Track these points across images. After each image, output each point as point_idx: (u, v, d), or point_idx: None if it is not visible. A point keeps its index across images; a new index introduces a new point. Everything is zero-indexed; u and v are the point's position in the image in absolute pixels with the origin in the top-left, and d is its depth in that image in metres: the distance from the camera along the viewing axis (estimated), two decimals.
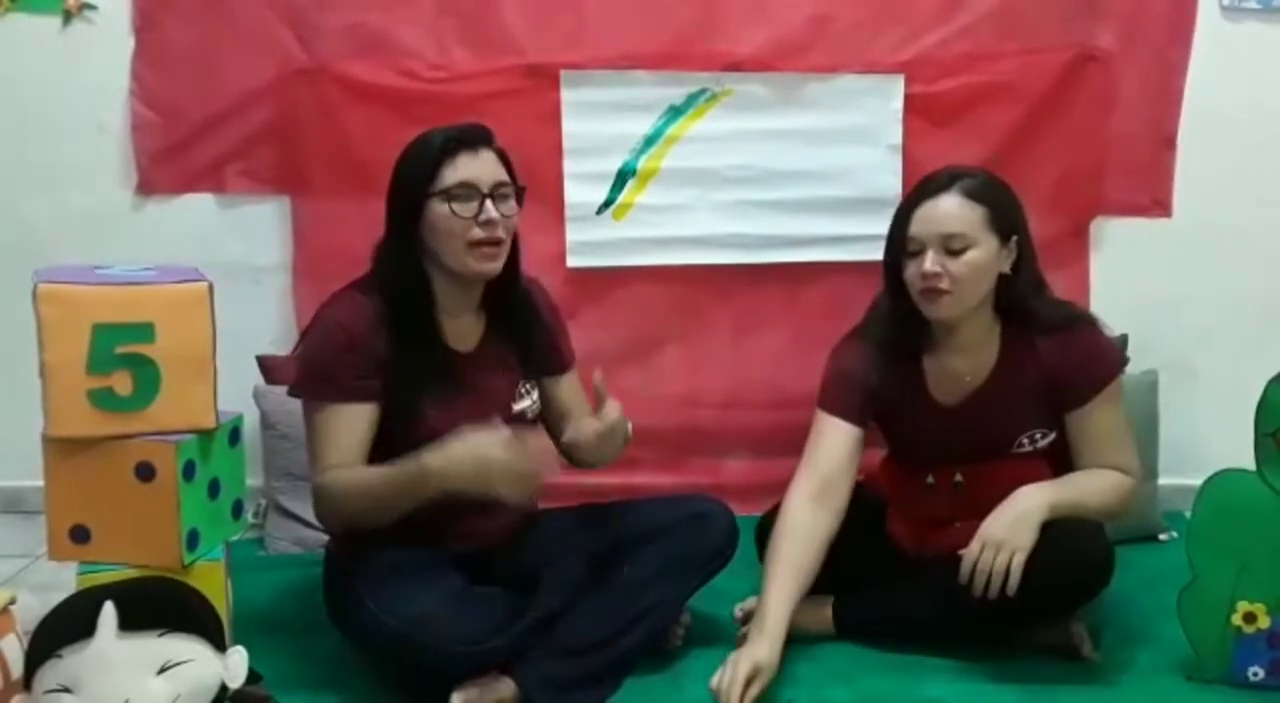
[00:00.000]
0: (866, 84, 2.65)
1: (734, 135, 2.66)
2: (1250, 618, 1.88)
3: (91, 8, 2.61)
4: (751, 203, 2.69)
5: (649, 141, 2.66)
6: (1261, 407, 1.87)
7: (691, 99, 2.65)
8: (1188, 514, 1.96)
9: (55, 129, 2.65)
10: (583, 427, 1.95)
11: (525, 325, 2.02)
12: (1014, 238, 1.96)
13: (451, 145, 1.87)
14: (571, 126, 2.62)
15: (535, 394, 2.03)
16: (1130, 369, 2.35)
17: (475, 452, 1.74)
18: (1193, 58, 2.67)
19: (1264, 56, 2.68)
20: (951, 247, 1.91)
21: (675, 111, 2.65)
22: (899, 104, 2.65)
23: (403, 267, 1.89)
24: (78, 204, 2.66)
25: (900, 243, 1.97)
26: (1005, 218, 1.95)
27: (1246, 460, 1.88)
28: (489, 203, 1.86)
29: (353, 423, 1.86)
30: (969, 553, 1.86)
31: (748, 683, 1.76)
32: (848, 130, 2.66)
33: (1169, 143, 2.70)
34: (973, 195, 1.93)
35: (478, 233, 1.85)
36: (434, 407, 1.88)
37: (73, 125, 2.65)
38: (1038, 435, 2.01)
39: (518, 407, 1.99)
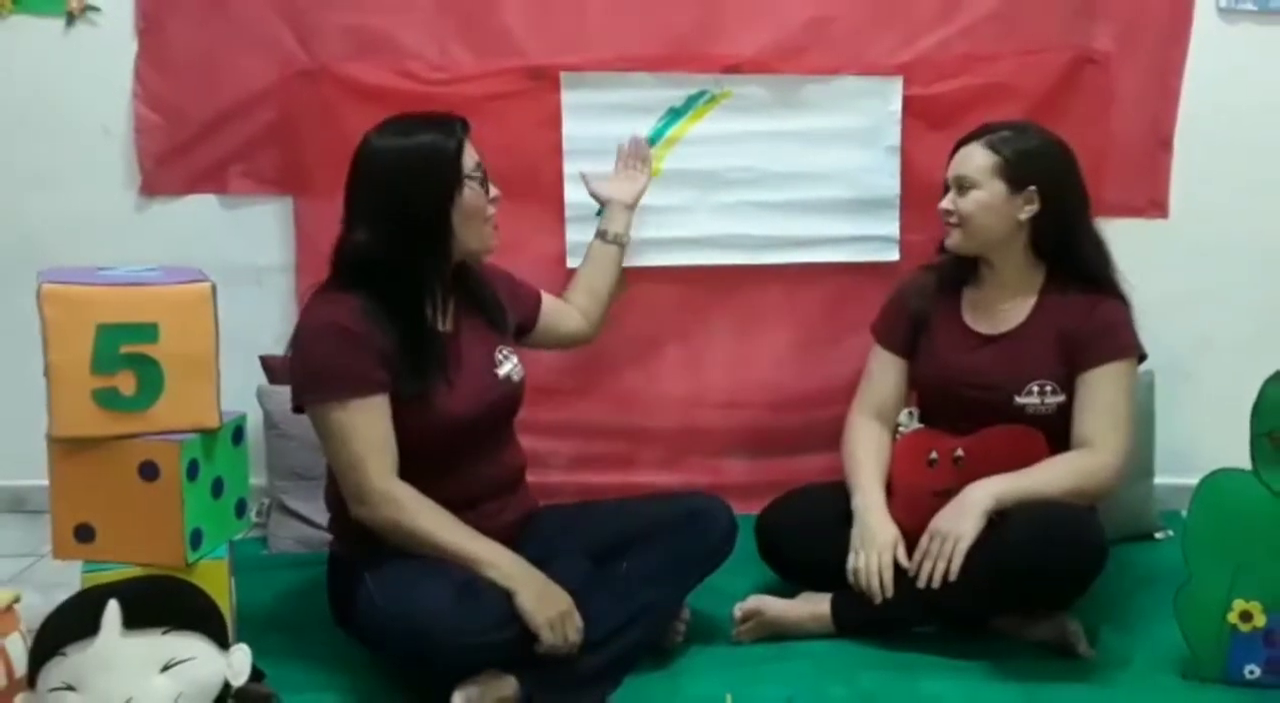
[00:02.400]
0: (865, 86, 2.65)
1: (734, 137, 2.66)
2: (1246, 617, 1.89)
3: (95, 9, 2.62)
4: (751, 204, 2.69)
5: (649, 143, 2.66)
6: (1258, 407, 1.88)
7: (691, 101, 2.65)
8: (1184, 513, 1.97)
9: (59, 130, 2.66)
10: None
11: (482, 294, 2.06)
12: (1031, 187, 2.10)
13: (465, 129, 1.93)
14: (572, 128, 2.62)
15: (515, 357, 2.07)
16: None
17: (555, 595, 1.82)
18: (1190, 59, 2.67)
19: (1260, 58, 2.68)
20: (961, 185, 2.14)
21: (675, 113, 2.65)
22: (897, 106, 2.65)
23: (401, 256, 1.88)
24: (82, 205, 2.66)
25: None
26: (1022, 169, 2.11)
27: (1242, 460, 1.89)
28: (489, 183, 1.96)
29: (374, 416, 1.84)
30: (919, 546, 1.98)
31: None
32: (846, 132, 2.66)
33: (1165, 144, 2.71)
34: (993, 146, 2.13)
35: (491, 209, 1.96)
36: (438, 388, 1.89)
37: (76, 127, 2.65)
38: (1048, 389, 2.09)
39: (501, 372, 2.02)
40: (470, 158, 1.92)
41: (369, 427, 1.84)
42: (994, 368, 2.13)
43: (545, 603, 1.81)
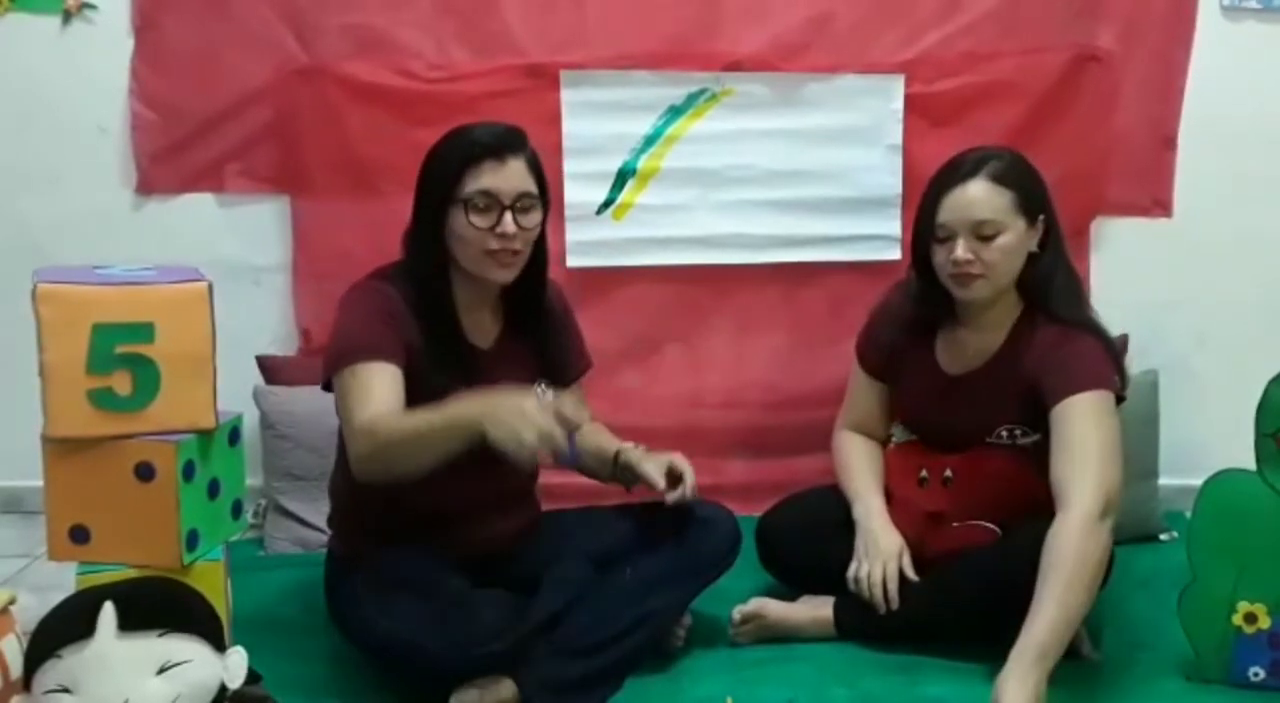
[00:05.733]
0: (866, 84, 2.65)
1: (734, 135, 2.66)
2: (1251, 618, 1.88)
3: (91, 7, 2.61)
4: (751, 203, 2.69)
5: (649, 141, 2.66)
6: (1262, 407, 1.87)
7: (691, 99, 2.65)
8: (1188, 514, 1.96)
9: (55, 129, 2.65)
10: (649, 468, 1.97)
11: (543, 328, 2.01)
12: (1040, 217, 1.98)
13: (478, 152, 1.83)
14: (571, 126, 2.62)
15: (551, 393, 2.03)
16: (1131, 370, 2.35)
17: (515, 402, 1.67)
18: (1193, 58, 2.67)
19: (1264, 56, 2.68)
20: (983, 233, 1.93)
21: (675, 111, 2.65)
22: (899, 104, 2.65)
23: (425, 258, 1.88)
24: (78, 204, 2.66)
25: (929, 229, 1.99)
26: (1032, 199, 1.97)
27: (1247, 461, 1.88)
28: (508, 215, 1.83)
29: (385, 378, 1.79)
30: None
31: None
32: (848, 130, 2.66)
33: (1169, 143, 2.71)
34: (1000, 179, 1.95)
35: (494, 244, 1.84)
36: (457, 394, 1.83)
37: (72, 125, 2.65)
38: (1017, 432, 2.02)
39: None
40: (476, 183, 1.82)
41: (377, 384, 1.78)
42: (960, 413, 2.05)
43: (506, 421, 1.63)
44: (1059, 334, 1.96)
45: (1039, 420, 1.95)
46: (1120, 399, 1.94)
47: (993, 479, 2.00)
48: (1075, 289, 2.05)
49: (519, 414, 1.62)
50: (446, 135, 1.91)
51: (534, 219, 1.88)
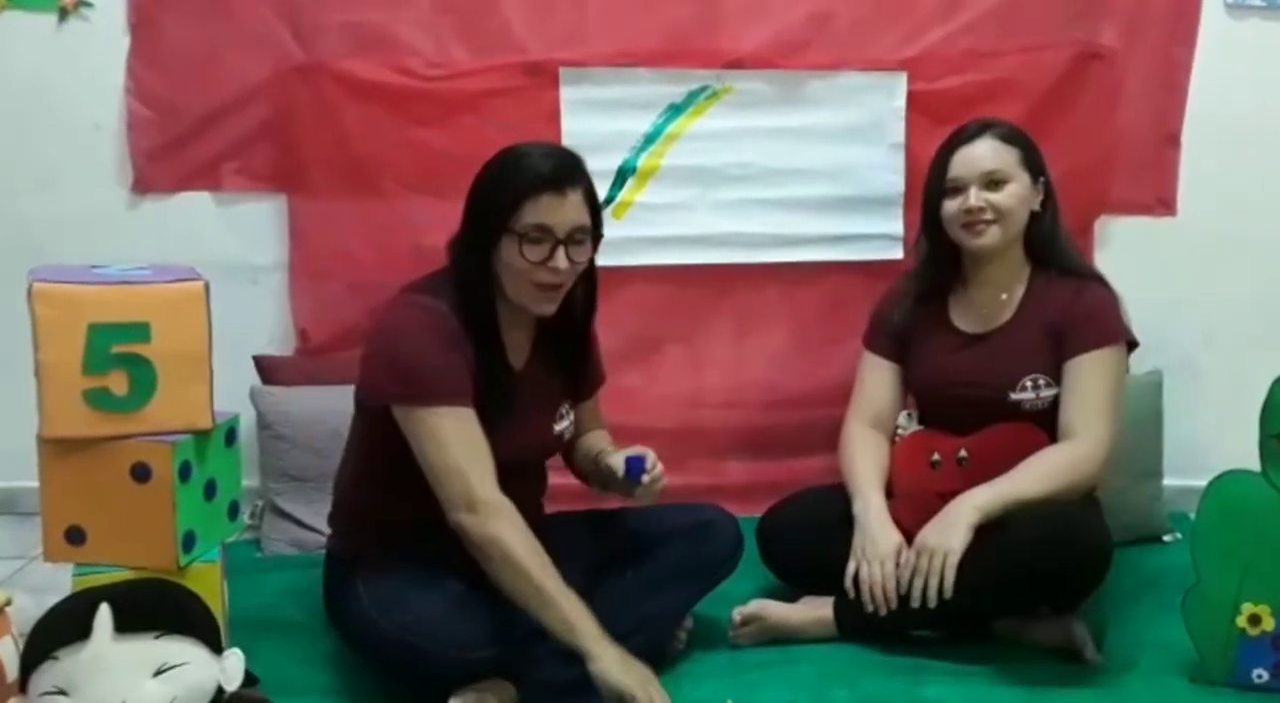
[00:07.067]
0: (869, 81, 2.64)
1: (735, 133, 2.65)
2: (1255, 620, 1.87)
3: (88, 5, 2.60)
4: (752, 201, 2.68)
5: (649, 140, 2.65)
6: (1267, 408, 1.86)
7: (692, 97, 2.64)
8: (1192, 516, 1.95)
9: (51, 127, 2.64)
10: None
11: (575, 353, 2.00)
12: (1041, 178, 2.14)
13: (540, 185, 1.78)
14: (571, 124, 2.61)
15: (572, 416, 2.02)
16: (1134, 369, 2.35)
17: (637, 664, 1.70)
18: (1197, 56, 2.66)
19: (1268, 54, 2.67)
20: (993, 180, 2.09)
21: (675, 109, 2.64)
22: (901, 102, 2.64)
23: (474, 281, 1.84)
24: (73, 203, 2.65)
25: (940, 186, 2.14)
26: (1033, 159, 2.14)
27: (1251, 462, 1.87)
28: (561, 250, 1.79)
29: (470, 424, 1.77)
30: (905, 564, 1.96)
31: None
32: (850, 128, 2.65)
33: (1173, 141, 2.70)
34: (1005, 139, 2.12)
35: (543, 276, 1.81)
36: (496, 425, 1.82)
37: (69, 123, 2.64)
38: (1041, 382, 2.08)
39: (557, 428, 1.97)
40: (534, 217, 1.77)
41: (468, 434, 1.77)
42: (986, 366, 2.11)
43: (630, 671, 1.69)
44: (1076, 286, 2.11)
45: (1059, 373, 2.07)
46: (1134, 345, 2.12)
47: (1009, 457, 2.01)
48: (1075, 246, 2.22)
49: (649, 679, 1.70)
50: (502, 156, 1.85)
51: (585, 253, 1.85)
